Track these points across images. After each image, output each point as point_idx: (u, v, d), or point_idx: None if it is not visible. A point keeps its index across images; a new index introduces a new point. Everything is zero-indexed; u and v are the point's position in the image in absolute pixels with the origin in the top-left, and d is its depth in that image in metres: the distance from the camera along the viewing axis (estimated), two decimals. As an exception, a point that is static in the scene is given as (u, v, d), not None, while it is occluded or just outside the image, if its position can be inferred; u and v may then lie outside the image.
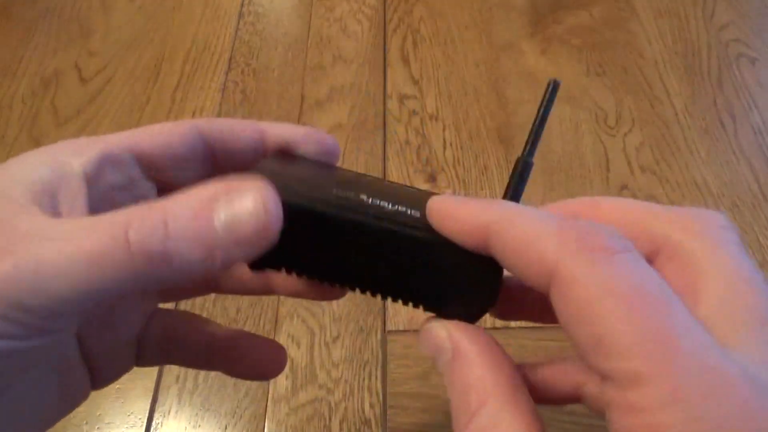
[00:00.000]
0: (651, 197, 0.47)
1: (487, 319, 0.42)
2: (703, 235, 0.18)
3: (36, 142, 0.53)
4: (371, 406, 0.39)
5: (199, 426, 0.38)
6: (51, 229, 0.16)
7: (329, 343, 0.41)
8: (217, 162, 0.22)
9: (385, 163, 0.50)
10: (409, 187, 0.21)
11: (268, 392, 0.39)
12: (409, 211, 0.19)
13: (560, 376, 0.20)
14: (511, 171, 0.21)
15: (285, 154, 0.22)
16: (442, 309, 0.20)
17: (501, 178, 0.49)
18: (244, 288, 0.24)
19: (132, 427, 0.38)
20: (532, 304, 0.21)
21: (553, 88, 0.22)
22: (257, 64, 0.59)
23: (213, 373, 0.40)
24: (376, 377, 0.40)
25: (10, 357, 0.16)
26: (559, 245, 0.15)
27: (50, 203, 0.17)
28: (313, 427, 0.38)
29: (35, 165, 0.18)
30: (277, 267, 0.20)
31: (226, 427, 0.38)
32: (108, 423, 0.39)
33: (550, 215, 0.17)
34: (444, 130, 0.53)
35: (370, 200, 0.19)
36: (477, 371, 0.17)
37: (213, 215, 0.16)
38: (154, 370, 0.40)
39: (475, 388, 0.17)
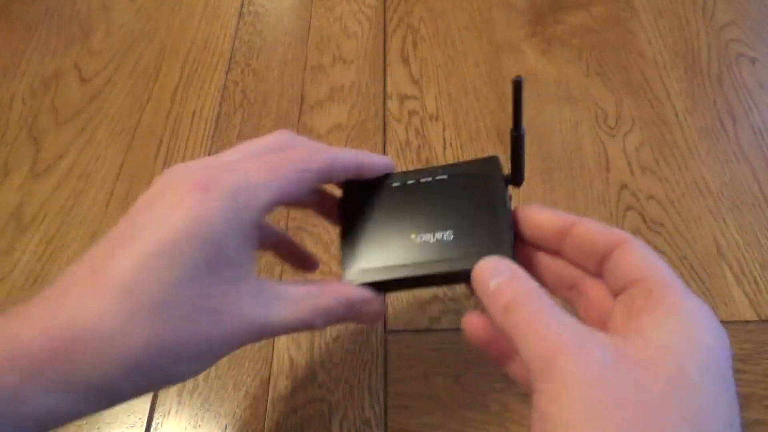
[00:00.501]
0: (651, 197, 0.47)
1: (487, 319, 0.42)
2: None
3: (36, 142, 0.53)
4: (371, 406, 0.39)
5: (199, 426, 0.38)
6: (273, 289, 0.26)
7: (329, 343, 0.41)
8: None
9: (385, 163, 0.50)
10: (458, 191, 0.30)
11: (268, 392, 0.39)
12: (444, 235, 0.29)
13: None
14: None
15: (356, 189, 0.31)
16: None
17: (501, 178, 0.49)
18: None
19: (132, 427, 0.38)
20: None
21: (517, 86, 0.27)
22: (257, 64, 0.59)
23: (213, 373, 0.40)
24: (376, 377, 0.40)
25: None
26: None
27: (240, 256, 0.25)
28: (313, 427, 0.38)
29: (201, 235, 0.24)
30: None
31: (226, 427, 0.38)
32: (108, 423, 0.39)
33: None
34: (444, 130, 0.53)
35: (419, 238, 0.29)
36: (529, 283, 0.24)
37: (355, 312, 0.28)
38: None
39: (528, 292, 0.23)
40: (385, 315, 0.42)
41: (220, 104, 0.56)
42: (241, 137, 0.53)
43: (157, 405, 0.39)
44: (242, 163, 0.26)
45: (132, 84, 0.58)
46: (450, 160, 0.50)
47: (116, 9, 0.65)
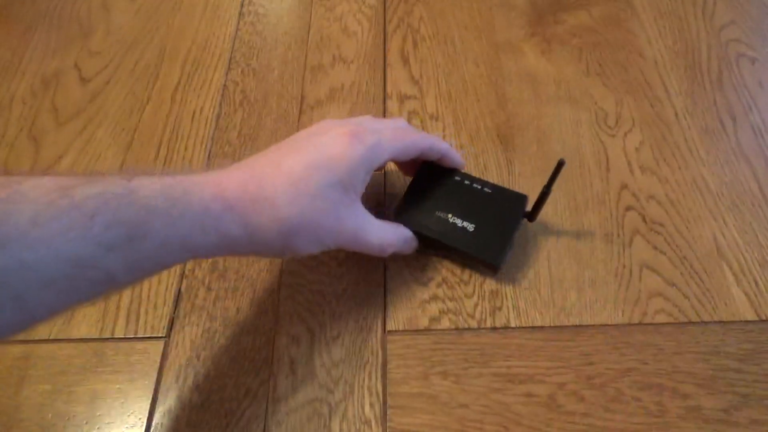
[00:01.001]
0: (651, 197, 0.47)
1: (488, 319, 0.42)
2: None
3: (36, 142, 0.53)
4: (371, 406, 0.39)
5: (200, 426, 0.38)
6: (370, 216, 0.39)
7: (329, 343, 0.41)
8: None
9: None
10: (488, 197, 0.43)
11: (268, 392, 0.39)
12: (468, 225, 0.42)
13: None
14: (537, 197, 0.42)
15: (430, 167, 0.45)
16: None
17: (501, 178, 0.49)
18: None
19: (132, 427, 0.38)
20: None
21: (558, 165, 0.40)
22: (257, 64, 0.59)
23: (213, 373, 0.40)
24: (376, 377, 0.40)
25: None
26: None
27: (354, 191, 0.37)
28: (313, 427, 0.38)
29: (353, 161, 0.36)
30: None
31: (226, 427, 0.38)
32: (108, 423, 0.39)
33: None
34: (444, 130, 0.53)
35: (450, 218, 0.42)
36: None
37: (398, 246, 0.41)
38: (154, 370, 0.40)
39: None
40: (385, 315, 0.42)
41: (220, 104, 0.56)
42: (241, 137, 0.53)
43: (157, 405, 0.39)
44: (379, 128, 0.39)
45: (132, 84, 0.58)
46: (450, 160, 0.50)
47: (116, 9, 0.65)
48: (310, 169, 0.35)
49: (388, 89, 0.56)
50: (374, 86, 0.56)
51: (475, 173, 0.49)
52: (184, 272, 0.45)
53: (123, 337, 0.42)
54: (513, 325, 0.41)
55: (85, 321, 0.43)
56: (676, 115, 0.53)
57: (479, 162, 0.50)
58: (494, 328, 0.41)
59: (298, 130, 0.53)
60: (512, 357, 0.40)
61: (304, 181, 0.34)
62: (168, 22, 0.63)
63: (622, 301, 0.42)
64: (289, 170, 0.35)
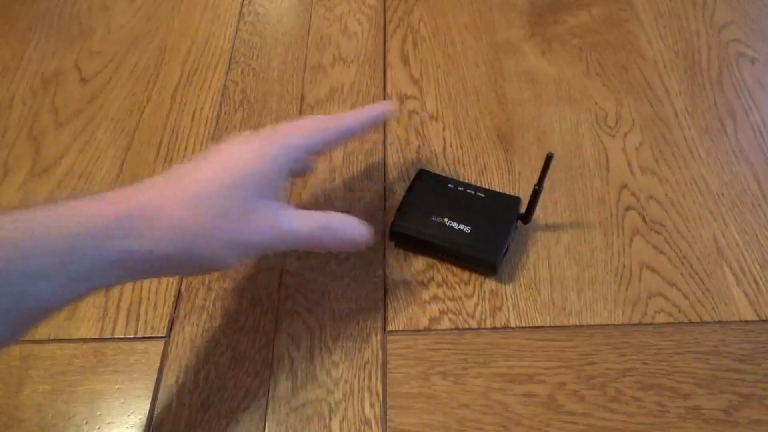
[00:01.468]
0: (651, 197, 0.47)
1: (488, 319, 0.42)
2: None
3: (36, 142, 0.53)
4: (371, 406, 0.39)
5: (199, 426, 0.38)
6: (292, 209, 0.37)
7: (329, 343, 0.41)
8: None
9: (386, 162, 0.50)
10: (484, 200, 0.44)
11: (268, 392, 0.39)
12: (464, 228, 0.43)
13: None
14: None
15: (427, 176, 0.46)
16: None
17: (500, 178, 0.49)
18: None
19: (132, 427, 0.38)
20: None
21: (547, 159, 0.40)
22: (257, 64, 0.59)
23: (213, 373, 0.40)
24: (376, 377, 0.40)
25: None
26: None
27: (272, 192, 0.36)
28: (313, 427, 0.38)
29: (256, 162, 0.35)
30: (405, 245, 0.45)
31: (226, 427, 0.38)
32: (108, 423, 0.39)
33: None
34: (444, 130, 0.53)
35: (447, 222, 0.43)
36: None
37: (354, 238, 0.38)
38: (154, 370, 0.40)
39: None
40: (385, 315, 0.42)
41: (220, 104, 0.56)
42: (241, 137, 0.53)
43: (157, 405, 0.39)
44: (289, 127, 0.39)
45: (132, 84, 0.58)
46: (450, 160, 0.50)
47: (116, 9, 0.65)
48: (209, 173, 0.34)
49: (388, 89, 0.56)
50: (374, 86, 0.56)
51: (474, 173, 0.49)
52: (184, 272, 0.45)
53: (123, 337, 0.42)
54: (513, 325, 0.41)
55: (85, 321, 0.43)
56: (676, 115, 0.53)
57: (479, 162, 0.50)
58: (494, 328, 0.41)
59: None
60: (512, 357, 0.40)
61: (203, 185, 0.33)
62: (168, 22, 0.63)
63: (622, 301, 0.42)
64: (189, 180, 0.33)
